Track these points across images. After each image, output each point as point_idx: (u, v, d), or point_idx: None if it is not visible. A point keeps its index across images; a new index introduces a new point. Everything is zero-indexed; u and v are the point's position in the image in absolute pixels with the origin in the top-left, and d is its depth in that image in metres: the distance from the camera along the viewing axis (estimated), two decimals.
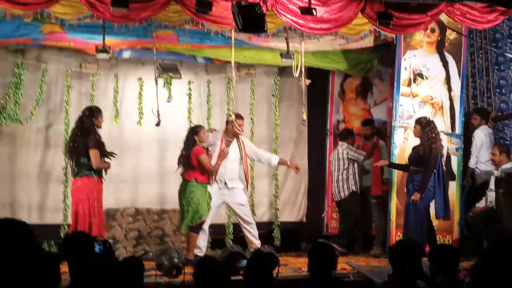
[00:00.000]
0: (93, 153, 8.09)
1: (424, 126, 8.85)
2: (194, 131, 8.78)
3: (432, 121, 8.99)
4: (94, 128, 8.26)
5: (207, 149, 8.95)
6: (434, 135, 8.83)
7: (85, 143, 8.12)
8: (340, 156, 9.86)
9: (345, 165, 9.80)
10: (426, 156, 8.71)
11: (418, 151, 8.86)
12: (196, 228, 8.54)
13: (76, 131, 8.31)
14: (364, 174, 9.97)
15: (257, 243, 8.93)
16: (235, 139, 9.06)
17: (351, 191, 9.78)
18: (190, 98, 10.27)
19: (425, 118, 9.04)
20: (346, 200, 9.79)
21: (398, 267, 4.84)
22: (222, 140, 8.99)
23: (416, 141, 9.08)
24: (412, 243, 5.25)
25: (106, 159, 8.31)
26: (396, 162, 9.46)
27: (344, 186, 9.77)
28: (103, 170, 8.29)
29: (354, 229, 9.85)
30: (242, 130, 9.05)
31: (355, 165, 9.86)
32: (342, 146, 9.90)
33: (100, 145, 8.23)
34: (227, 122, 9.16)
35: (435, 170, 8.72)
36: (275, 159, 9.44)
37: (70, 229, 8.38)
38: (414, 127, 9.01)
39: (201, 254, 8.59)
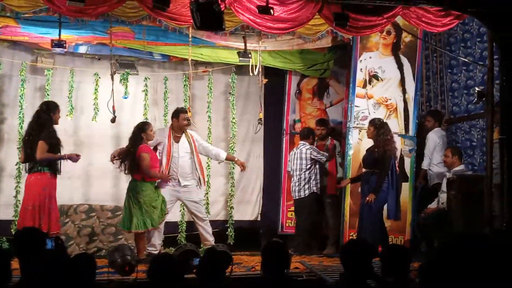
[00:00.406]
0: (40, 144, 8.00)
1: (378, 128, 8.94)
2: (141, 129, 8.66)
3: (386, 123, 9.09)
4: (50, 123, 8.17)
5: (156, 148, 8.92)
6: (388, 137, 8.93)
7: (39, 137, 8.03)
8: (302, 156, 9.84)
9: (307, 165, 9.79)
10: (380, 158, 8.80)
11: (372, 152, 8.94)
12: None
13: (32, 124, 8.24)
14: (325, 175, 10.02)
15: (211, 240, 8.93)
16: (183, 134, 9.01)
17: (311, 191, 9.80)
18: (146, 94, 10.23)
19: (379, 119, 9.13)
20: (305, 199, 9.79)
21: (349, 266, 4.88)
22: (169, 136, 8.93)
23: (370, 143, 9.17)
24: (363, 243, 5.29)
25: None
26: (355, 176, 9.52)
27: (306, 186, 9.77)
28: (58, 164, 8.20)
29: (310, 228, 9.89)
30: (188, 124, 8.98)
31: (317, 165, 9.89)
32: (305, 146, 9.88)
33: (52, 139, 8.13)
34: (173, 117, 9.06)
35: (389, 172, 8.82)
36: (223, 154, 9.38)
37: (18, 225, 8.29)
38: (368, 128, 9.10)
39: (155, 252, 8.55)
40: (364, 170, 9.13)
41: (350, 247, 5.19)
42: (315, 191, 9.80)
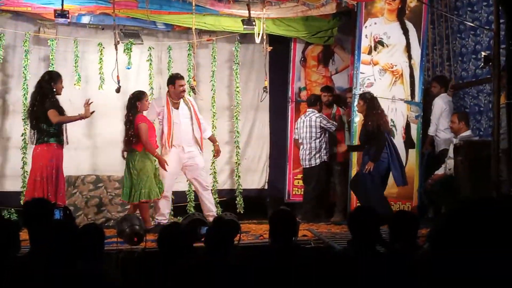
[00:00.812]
0: (51, 113, 8.00)
1: (368, 102, 8.92)
2: (137, 97, 8.58)
3: (376, 98, 9.05)
4: (52, 93, 8.15)
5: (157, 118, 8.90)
6: (379, 111, 8.92)
7: (43, 108, 8.02)
8: (312, 124, 9.79)
9: (317, 134, 9.75)
10: (375, 131, 8.76)
11: (367, 126, 8.90)
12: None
13: (35, 95, 8.22)
14: (334, 143, 9.99)
15: (214, 210, 8.92)
16: (181, 100, 8.90)
17: (322, 160, 9.79)
18: (150, 64, 10.20)
19: (369, 93, 9.10)
20: (315, 168, 9.78)
21: (357, 233, 4.89)
22: (167, 103, 8.83)
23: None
24: (370, 210, 5.29)
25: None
26: (354, 143, 9.53)
27: (316, 155, 9.75)
28: (63, 135, 8.21)
29: (319, 197, 9.89)
30: (184, 90, 8.88)
31: (327, 134, 9.87)
32: (315, 114, 9.83)
33: (57, 107, 8.13)
34: (168, 84, 8.91)
35: (385, 145, 8.80)
36: (208, 132, 9.30)
37: (26, 196, 8.32)
38: (358, 102, 9.06)
39: (165, 221, 8.58)
40: None
41: (358, 213, 5.19)
42: (326, 160, 9.80)
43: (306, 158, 9.82)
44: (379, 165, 8.81)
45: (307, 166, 9.84)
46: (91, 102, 8.24)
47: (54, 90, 8.19)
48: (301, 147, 9.91)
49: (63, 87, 8.39)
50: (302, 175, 10.20)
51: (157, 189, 8.47)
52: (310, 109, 9.92)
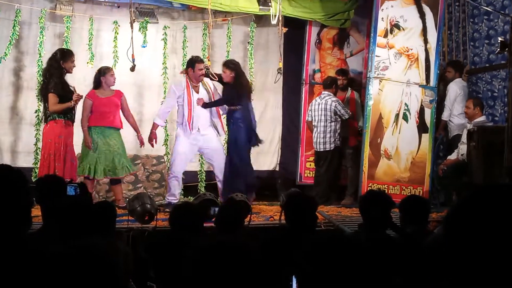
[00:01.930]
0: (50, 97, 8.07)
1: (236, 70, 8.95)
2: (102, 72, 8.54)
3: (239, 64, 9.12)
4: (59, 72, 8.18)
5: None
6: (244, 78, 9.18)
7: (47, 88, 8.07)
8: (327, 107, 9.70)
9: (332, 118, 9.69)
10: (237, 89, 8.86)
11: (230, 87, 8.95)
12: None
13: (44, 72, 8.32)
14: (346, 126, 9.96)
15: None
16: (200, 83, 8.92)
17: (337, 144, 9.76)
18: (165, 43, 10.19)
19: (234, 61, 9.18)
20: (329, 152, 9.74)
21: (367, 216, 4.89)
22: (188, 87, 8.84)
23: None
24: (381, 193, 5.29)
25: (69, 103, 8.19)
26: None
27: (331, 139, 9.69)
28: (72, 112, 8.25)
29: (331, 180, 9.87)
30: (203, 74, 8.85)
31: (341, 119, 9.83)
32: (331, 98, 9.74)
33: (60, 90, 8.14)
34: (188, 67, 8.89)
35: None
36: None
37: (39, 172, 8.37)
38: (224, 71, 8.98)
39: (175, 201, 8.61)
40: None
41: (369, 197, 5.20)
42: (338, 144, 9.77)
43: (320, 141, 9.77)
44: (239, 130, 8.89)
45: (321, 150, 9.80)
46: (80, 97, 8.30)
47: (64, 68, 8.21)
48: (315, 129, 9.86)
49: (74, 66, 8.41)
50: (314, 158, 10.17)
51: (100, 166, 8.35)
52: (326, 92, 9.86)
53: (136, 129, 8.77)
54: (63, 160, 8.11)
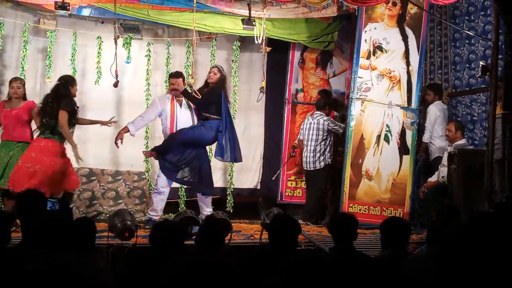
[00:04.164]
0: (62, 115, 8.10)
1: (223, 76, 9.10)
2: (70, 83, 8.47)
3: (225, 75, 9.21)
4: (69, 94, 8.29)
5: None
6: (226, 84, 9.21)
7: (58, 105, 8.12)
8: (320, 127, 9.80)
9: (323, 136, 9.78)
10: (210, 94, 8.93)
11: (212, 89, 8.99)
12: None
13: (50, 95, 8.35)
14: (340, 146, 10.00)
15: (207, 210, 8.91)
16: (183, 98, 8.95)
17: (327, 163, 9.81)
18: (149, 59, 10.19)
19: (221, 68, 9.25)
20: (319, 171, 9.80)
21: (335, 240, 4.99)
22: (172, 100, 8.88)
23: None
24: (351, 218, 5.30)
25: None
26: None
27: (321, 157, 9.77)
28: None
29: (320, 199, 9.89)
30: (176, 89, 8.84)
31: (331, 137, 9.88)
32: (323, 117, 9.86)
33: (72, 110, 8.25)
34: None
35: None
36: None
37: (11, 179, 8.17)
38: (213, 72, 9.07)
39: (156, 217, 8.58)
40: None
41: (335, 221, 5.26)
42: (329, 163, 9.81)
43: (310, 160, 9.83)
44: (207, 132, 8.88)
45: (311, 169, 9.84)
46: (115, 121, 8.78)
47: (71, 92, 8.33)
48: (305, 148, 9.91)
49: (77, 90, 8.56)
50: (305, 178, 10.18)
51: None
52: (318, 112, 9.93)
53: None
54: (54, 177, 8.11)
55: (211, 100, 8.88)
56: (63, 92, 8.25)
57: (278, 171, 10.40)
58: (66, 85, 8.32)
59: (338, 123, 9.87)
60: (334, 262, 3.56)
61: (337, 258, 4.71)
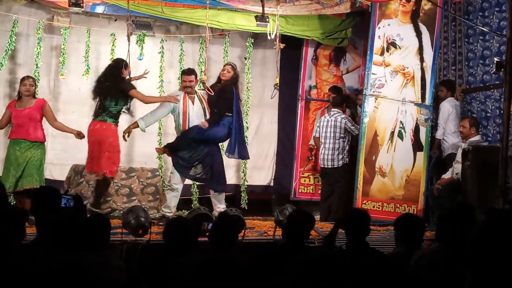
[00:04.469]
0: (133, 93, 8.55)
1: (236, 72, 9.12)
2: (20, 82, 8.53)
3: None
4: (120, 75, 8.55)
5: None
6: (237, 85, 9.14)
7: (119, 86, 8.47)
8: (337, 124, 9.77)
9: (342, 134, 9.74)
10: (223, 92, 8.94)
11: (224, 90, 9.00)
12: None
13: (102, 75, 8.71)
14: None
15: (220, 206, 8.92)
16: (195, 95, 8.96)
17: (345, 161, 9.80)
18: (162, 56, 10.21)
19: (235, 65, 9.24)
20: (339, 169, 9.77)
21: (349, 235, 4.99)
22: (184, 97, 8.88)
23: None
24: (362, 214, 5.30)
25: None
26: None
27: (340, 156, 9.74)
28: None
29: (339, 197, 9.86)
30: (189, 86, 8.85)
31: (349, 136, 9.86)
32: (341, 115, 9.83)
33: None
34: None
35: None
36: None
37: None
38: (226, 69, 9.10)
39: (170, 214, 8.61)
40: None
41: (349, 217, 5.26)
42: (347, 161, 9.79)
43: (328, 158, 9.80)
44: (220, 129, 8.90)
45: (329, 167, 9.82)
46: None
47: (122, 74, 8.53)
48: (322, 146, 9.89)
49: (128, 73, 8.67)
50: (321, 175, 10.12)
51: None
52: (336, 110, 9.91)
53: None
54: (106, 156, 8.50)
55: (223, 97, 8.88)
56: (115, 73, 8.46)
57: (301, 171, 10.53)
58: (117, 67, 8.53)
59: (355, 124, 9.82)
60: (344, 259, 3.56)
61: (349, 255, 4.71)
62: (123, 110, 8.61)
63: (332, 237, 5.66)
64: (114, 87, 8.43)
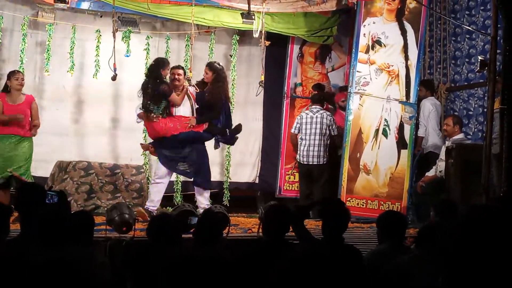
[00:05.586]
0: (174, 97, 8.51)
1: (217, 73, 8.81)
2: (8, 76, 8.50)
3: (223, 69, 9.02)
4: (160, 75, 8.49)
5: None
6: (224, 84, 8.95)
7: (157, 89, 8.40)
8: (323, 121, 9.72)
9: (326, 131, 9.75)
10: (212, 101, 8.78)
11: (204, 93, 8.86)
12: None
13: (147, 76, 8.66)
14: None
15: (204, 203, 8.90)
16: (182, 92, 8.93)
17: (327, 158, 9.79)
18: (148, 53, 10.19)
19: (218, 64, 9.00)
20: (324, 166, 9.77)
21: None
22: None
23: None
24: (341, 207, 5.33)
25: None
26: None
27: (325, 152, 9.73)
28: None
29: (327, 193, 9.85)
30: (178, 80, 8.70)
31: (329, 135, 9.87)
32: (326, 112, 9.82)
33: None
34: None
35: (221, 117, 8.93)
36: None
37: None
38: (206, 72, 8.87)
39: (154, 208, 8.58)
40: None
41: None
42: (328, 158, 9.80)
43: (314, 155, 9.74)
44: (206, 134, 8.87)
45: (314, 163, 9.77)
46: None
47: (162, 75, 8.50)
48: (303, 142, 9.84)
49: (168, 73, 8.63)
50: (300, 171, 10.06)
51: None
52: (318, 106, 9.87)
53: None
54: None
55: (213, 107, 8.82)
56: (156, 74, 8.43)
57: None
58: (158, 66, 8.49)
59: (338, 126, 9.82)
60: (320, 256, 3.61)
61: (324, 251, 4.71)
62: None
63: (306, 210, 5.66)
64: (155, 90, 8.39)
